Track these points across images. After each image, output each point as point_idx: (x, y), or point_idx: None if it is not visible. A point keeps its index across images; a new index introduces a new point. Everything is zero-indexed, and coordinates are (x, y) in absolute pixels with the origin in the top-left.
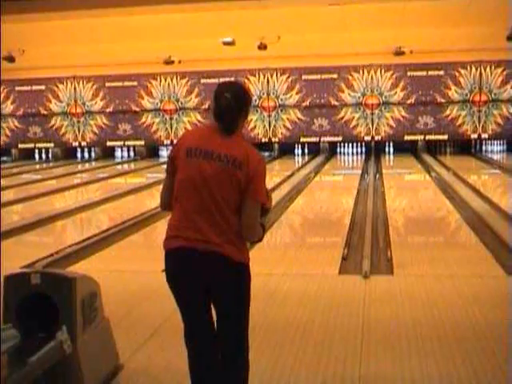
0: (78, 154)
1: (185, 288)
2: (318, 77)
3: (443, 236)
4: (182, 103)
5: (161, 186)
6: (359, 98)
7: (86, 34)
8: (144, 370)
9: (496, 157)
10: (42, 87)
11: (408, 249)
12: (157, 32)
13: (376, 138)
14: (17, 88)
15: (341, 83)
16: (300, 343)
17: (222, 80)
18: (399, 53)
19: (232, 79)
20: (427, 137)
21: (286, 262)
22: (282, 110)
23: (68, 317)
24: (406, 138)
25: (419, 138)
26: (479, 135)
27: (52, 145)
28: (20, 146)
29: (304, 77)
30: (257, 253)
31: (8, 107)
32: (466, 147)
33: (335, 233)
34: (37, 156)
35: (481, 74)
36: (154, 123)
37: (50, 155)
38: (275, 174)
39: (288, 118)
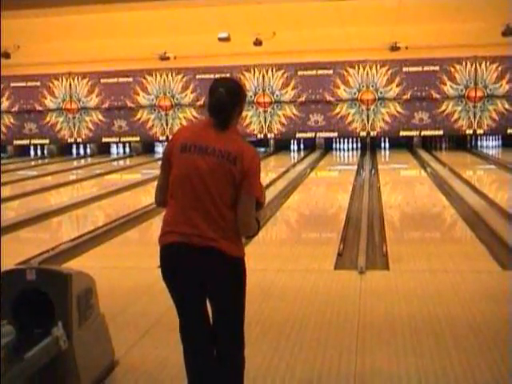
0: (74, 151)
1: (180, 283)
2: (313, 72)
3: (439, 231)
4: (177, 99)
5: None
6: (355, 93)
7: (81, 31)
8: (140, 365)
9: (491, 152)
10: (38, 83)
11: (403, 244)
12: (152, 28)
13: (372, 133)
14: (12, 84)
15: (336, 79)
16: (296, 339)
17: (217, 76)
18: (395, 48)
19: (227, 75)
20: (423, 132)
21: (281, 257)
22: (277, 106)
23: (64, 313)
24: (402, 133)
25: (415, 133)
26: (474, 131)
27: (47, 141)
28: (15, 142)
29: (299, 73)
30: (252, 248)
31: (3, 103)
32: (461, 143)
33: (331, 228)
34: (32, 152)
35: (476, 69)
36: (149, 119)
37: (45, 152)
38: (271, 170)
39: (284, 114)
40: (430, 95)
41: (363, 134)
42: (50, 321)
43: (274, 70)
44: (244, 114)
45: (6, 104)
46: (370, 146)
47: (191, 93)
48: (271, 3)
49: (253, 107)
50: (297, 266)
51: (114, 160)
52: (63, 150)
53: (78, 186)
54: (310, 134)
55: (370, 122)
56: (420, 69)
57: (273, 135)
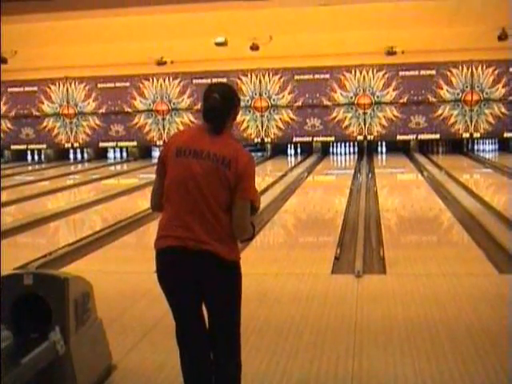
0: (71, 155)
1: (176, 287)
2: (310, 77)
3: (435, 235)
4: (174, 104)
5: None
6: (351, 97)
7: (78, 36)
8: (137, 370)
9: (488, 156)
10: (35, 88)
11: (400, 248)
12: (149, 33)
13: (368, 137)
14: (9, 89)
15: (333, 83)
16: (293, 343)
17: (214, 80)
18: (391, 53)
19: (224, 80)
20: (419, 136)
21: (278, 261)
22: (274, 111)
23: (61, 317)
24: (399, 137)
25: (411, 137)
26: (471, 134)
27: (44, 146)
28: (12, 147)
29: (296, 77)
30: (250, 252)
31: (0, 108)
32: (457, 146)
33: (328, 232)
34: (29, 157)
35: (472, 73)
36: (146, 124)
37: (42, 156)
38: (268, 174)
39: (280, 119)
40: (427, 99)
41: (360, 138)
42: (47, 325)
43: (270, 75)
44: (241, 118)
45: (3, 109)
46: (366, 150)
47: (188, 97)
48: (268, 8)
49: (250, 112)
50: (294, 269)
51: (111, 165)
52: (60, 154)
53: (75, 191)
54: (307, 139)
55: (366, 126)
56: (416, 73)
57: (270, 139)
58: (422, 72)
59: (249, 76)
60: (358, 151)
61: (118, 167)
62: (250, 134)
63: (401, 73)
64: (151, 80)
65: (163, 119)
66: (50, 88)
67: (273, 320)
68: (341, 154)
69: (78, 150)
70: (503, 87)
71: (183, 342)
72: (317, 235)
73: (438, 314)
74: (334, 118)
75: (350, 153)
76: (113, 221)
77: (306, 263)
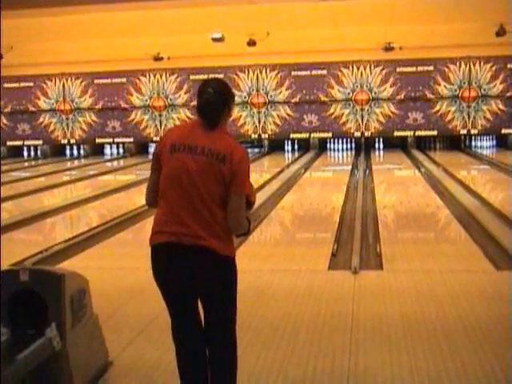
0: (67, 152)
1: (171, 283)
2: (307, 73)
3: (433, 231)
4: (171, 100)
5: None
6: (349, 93)
7: (75, 31)
8: (133, 366)
9: (485, 152)
10: (31, 84)
11: (397, 244)
12: (145, 28)
13: (366, 133)
14: (5, 85)
15: (330, 79)
16: (289, 339)
17: (211, 76)
18: (388, 49)
19: (221, 76)
20: (417, 132)
21: (275, 258)
22: (271, 107)
23: (57, 314)
24: (396, 133)
25: (409, 133)
26: (468, 131)
27: (41, 142)
28: (8, 143)
29: (293, 73)
30: (246, 249)
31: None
32: (455, 143)
33: (325, 229)
34: (25, 153)
35: (470, 69)
36: (143, 120)
37: (38, 152)
38: (265, 171)
39: (278, 115)
40: (424, 95)
41: (357, 134)
42: (43, 321)
43: (268, 71)
44: (238, 114)
45: None
46: (364, 147)
47: (185, 93)
48: (265, 3)
49: (247, 108)
50: (291, 266)
51: (108, 161)
52: (57, 150)
53: (71, 187)
54: (305, 135)
55: (364, 123)
56: (414, 69)
57: (267, 136)
58: (420, 68)
59: (246, 72)
60: (356, 147)
61: (115, 163)
62: (248, 130)
63: (398, 69)
64: (148, 76)
65: (160, 115)
66: (46, 84)
67: (269, 316)
68: (338, 150)
69: (75, 146)
70: (501, 83)
71: (179, 338)
72: (314, 231)
73: (435, 311)
74: (332, 114)
75: (347, 149)
76: (109, 217)
77: (302, 259)
